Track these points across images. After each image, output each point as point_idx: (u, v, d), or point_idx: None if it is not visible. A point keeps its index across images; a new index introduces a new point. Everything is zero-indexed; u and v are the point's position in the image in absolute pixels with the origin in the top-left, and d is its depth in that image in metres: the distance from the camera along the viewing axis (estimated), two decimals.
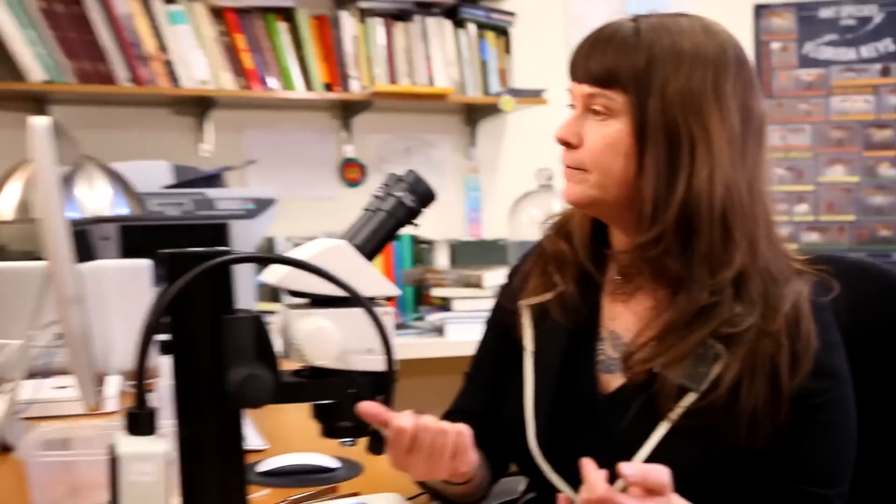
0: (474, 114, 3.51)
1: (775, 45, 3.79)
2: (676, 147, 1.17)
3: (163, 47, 2.99)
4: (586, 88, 1.20)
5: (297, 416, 1.76)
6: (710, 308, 1.16)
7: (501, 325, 1.39)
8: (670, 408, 1.16)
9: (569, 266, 1.31)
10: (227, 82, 3.06)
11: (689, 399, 1.15)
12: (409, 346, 2.88)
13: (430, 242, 3.26)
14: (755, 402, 1.13)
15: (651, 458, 1.14)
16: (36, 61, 2.85)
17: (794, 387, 1.14)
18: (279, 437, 1.66)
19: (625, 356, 1.22)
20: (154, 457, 1.04)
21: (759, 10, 3.78)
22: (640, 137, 1.17)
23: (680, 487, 1.04)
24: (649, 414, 1.18)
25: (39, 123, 1.25)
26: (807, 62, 3.76)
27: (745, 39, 3.80)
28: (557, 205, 2.96)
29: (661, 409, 1.16)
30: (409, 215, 1.21)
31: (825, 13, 3.74)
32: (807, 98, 3.76)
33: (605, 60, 1.18)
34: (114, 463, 1.04)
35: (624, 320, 1.28)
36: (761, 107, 1.23)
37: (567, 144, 1.23)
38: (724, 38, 1.21)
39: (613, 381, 1.26)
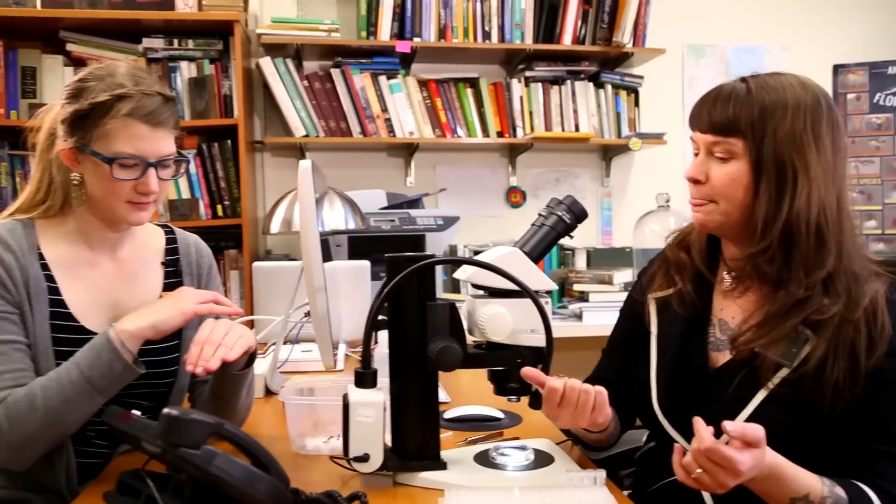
0: (609, 152, 3.40)
1: (851, 96, 3.55)
2: (783, 177, 1.11)
3: (384, 109, 3.04)
4: (710, 138, 1.15)
5: (472, 378, 1.76)
6: (805, 300, 1.10)
7: (632, 313, 1.35)
8: (768, 379, 1.10)
9: (687, 271, 1.26)
10: (427, 133, 3.08)
11: (783, 373, 1.09)
12: (555, 329, 2.75)
13: (572, 249, 3.18)
14: (837, 376, 1.06)
15: (750, 419, 1.09)
16: (299, 122, 2.96)
17: (870, 365, 1.07)
18: (458, 393, 1.64)
19: (734, 337, 1.16)
20: (375, 404, 1.05)
21: (837, 69, 3.54)
22: (756, 172, 1.12)
23: (773, 445, 0.99)
24: (750, 384, 1.12)
25: (304, 165, 1.28)
26: (877, 108, 3.49)
27: (826, 91, 3.53)
28: (673, 222, 2.86)
29: (760, 380, 1.10)
30: (567, 229, 1.19)
31: (893, 70, 3.47)
32: (876, 137, 3.50)
33: (726, 114, 1.13)
34: (346, 407, 1.05)
35: (730, 311, 1.22)
36: (845, 141, 1.15)
37: (696, 181, 1.17)
38: (817, 90, 1.14)
39: (721, 357, 1.20)
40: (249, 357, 1.28)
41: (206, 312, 1.21)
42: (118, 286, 1.31)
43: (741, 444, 0.94)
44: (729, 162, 1.13)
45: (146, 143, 1.20)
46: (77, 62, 2.79)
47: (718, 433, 0.95)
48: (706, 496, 1.13)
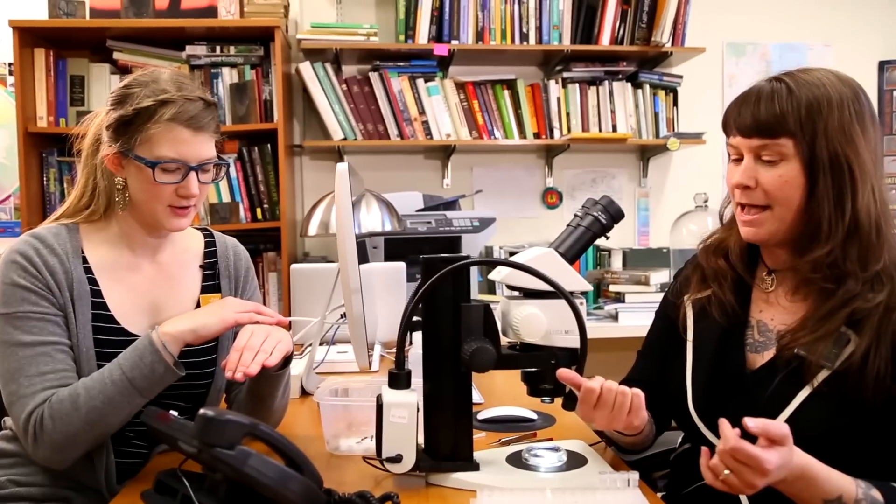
0: (647, 152, 3.34)
1: None
2: (840, 174, 1.07)
3: (421, 111, 3.04)
4: (756, 141, 1.11)
5: (505, 379, 1.74)
6: (855, 294, 1.07)
7: (667, 316, 1.32)
8: (812, 377, 1.07)
9: (726, 279, 1.22)
10: (464, 135, 3.07)
11: (824, 373, 1.06)
12: (590, 329, 2.68)
13: (608, 250, 3.14)
14: (879, 365, 1.03)
15: (791, 419, 1.06)
16: (338, 126, 2.97)
17: None
18: (492, 393, 1.63)
19: (780, 335, 1.13)
20: (408, 405, 1.04)
21: (883, 65, 3.45)
22: (810, 172, 1.08)
23: (815, 445, 0.97)
24: (789, 385, 1.09)
25: (341, 168, 1.28)
26: None
27: (871, 88, 3.44)
28: (711, 222, 2.79)
29: (800, 380, 1.08)
30: (603, 230, 1.16)
31: None
32: None
33: (773, 115, 1.09)
34: (380, 408, 1.04)
35: (770, 312, 1.19)
36: (880, 128, 1.15)
37: (745, 187, 1.13)
38: (853, 82, 1.12)
39: (759, 359, 1.17)
40: (286, 358, 1.29)
41: (246, 321, 1.22)
42: (158, 289, 1.33)
43: (767, 443, 0.92)
44: (779, 164, 1.10)
45: (188, 148, 1.22)
46: (123, 70, 2.85)
47: (751, 438, 0.92)
48: (742, 498, 1.10)
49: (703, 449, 0.97)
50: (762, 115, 1.09)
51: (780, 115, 1.08)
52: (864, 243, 1.07)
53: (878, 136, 1.12)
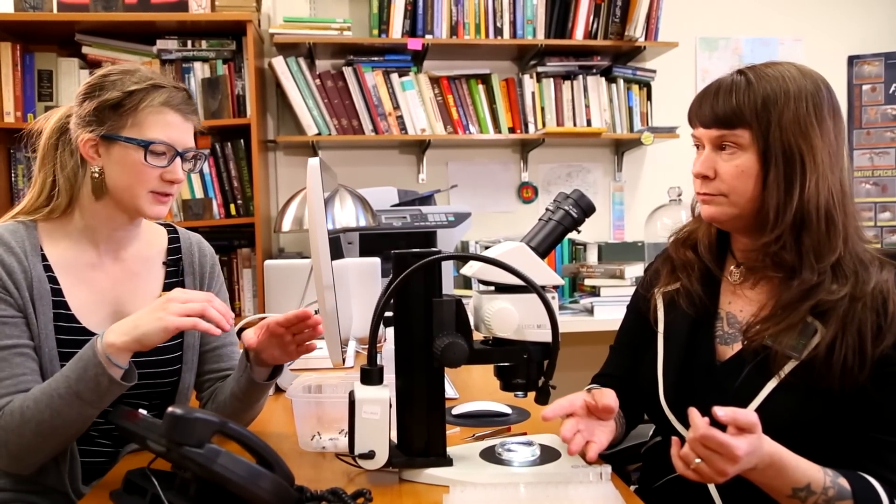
0: (621, 146, 3.36)
1: (866, 87, 3.50)
2: (791, 164, 1.09)
3: (396, 106, 3.03)
4: (715, 132, 1.13)
5: (481, 374, 1.74)
6: (816, 286, 1.09)
7: (639, 309, 1.33)
8: (779, 368, 1.09)
9: (694, 270, 1.24)
10: (439, 130, 3.06)
11: (792, 364, 1.08)
12: (566, 323, 2.75)
13: (583, 244, 3.16)
14: (846, 354, 1.05)
15: (760, 409, 1.07)
16: (311, 121, 2.95)
17: (878, 353, 1.05)
18: (467, 389, 1.63)
19: (746, 328, 1.15)
20: (381, 401, 1.03)
21: (852, 60, 3.49)
22: (764, 162, 1.10)
23: (784, 435, 0.98)
24: (758, 376, 1.10)
25: (312, 163, 1.27)
26: (892, 99, 3.44)
27: (841, 82, 3.48)
28: (685, 216, 2.82)
29: (769, 371, 1.09)
30: (574, 224, 1.17)
31: None
32: (892, 128, 3.45)
33: (730, 107, 1.11)
34: (352, 404, 1.04)
35: (738, 304, 1.20)
36: (843, 122, 1.15)
37: (704, 177, 1.16)
38: (815, 75, 1.14)
39: (728, 351, 1.18)
40: (275, 369, 1.30)
41: (189, 328, 1.11)
42: (120, 286, 1.30)
43: (736, 431, 0.92)
44: (737, 154, 1.12)
45: (177, 132, 1.24)
46: (93, 64, 2.80)
47: (722, 428, 0.93)
48: (712, 489, 1.11)
49: (674, 439, 0.97)
50: (720, 108, 1.12)
51: (737, 106, 1.10)
52: (815, 234, 1.09)
53: (839, 129, 1.13)
